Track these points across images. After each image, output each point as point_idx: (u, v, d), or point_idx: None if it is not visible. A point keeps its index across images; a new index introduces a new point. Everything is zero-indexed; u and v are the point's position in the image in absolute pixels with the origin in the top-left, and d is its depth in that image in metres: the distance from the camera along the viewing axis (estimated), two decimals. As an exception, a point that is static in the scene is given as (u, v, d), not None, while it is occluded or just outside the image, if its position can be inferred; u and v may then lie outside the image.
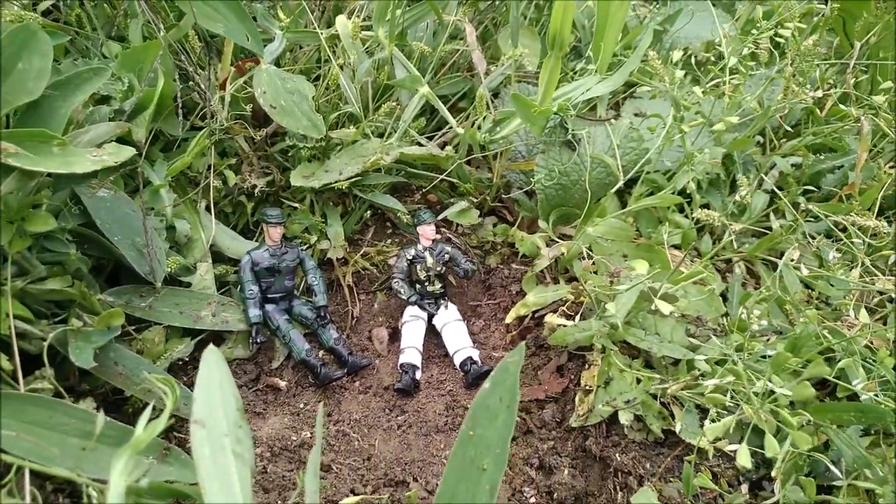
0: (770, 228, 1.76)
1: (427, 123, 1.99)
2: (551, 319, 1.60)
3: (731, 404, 1.24)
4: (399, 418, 1.60)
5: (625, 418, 1.45)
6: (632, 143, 1.72)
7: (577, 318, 1.59)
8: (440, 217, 1.85)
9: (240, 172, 1.81)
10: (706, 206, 1.82)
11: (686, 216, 1.77)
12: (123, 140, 1.51)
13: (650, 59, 1.67)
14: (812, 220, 1.77)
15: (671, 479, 1.40)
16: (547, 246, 1.75)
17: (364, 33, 1.83)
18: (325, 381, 1.62)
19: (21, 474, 1.09)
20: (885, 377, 1.30)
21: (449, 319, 1.75)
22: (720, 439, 1.26)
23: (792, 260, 1.49)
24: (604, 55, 1.69)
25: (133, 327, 1.50)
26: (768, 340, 1.46)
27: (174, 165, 1.63)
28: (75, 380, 1.39)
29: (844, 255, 1.62)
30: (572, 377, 1.61)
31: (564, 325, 1.57)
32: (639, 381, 1.48)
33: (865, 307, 1.50)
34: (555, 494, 1.42)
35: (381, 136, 1.87)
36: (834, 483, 1.28)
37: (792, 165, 1.88)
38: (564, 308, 1.66)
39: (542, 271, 1.77)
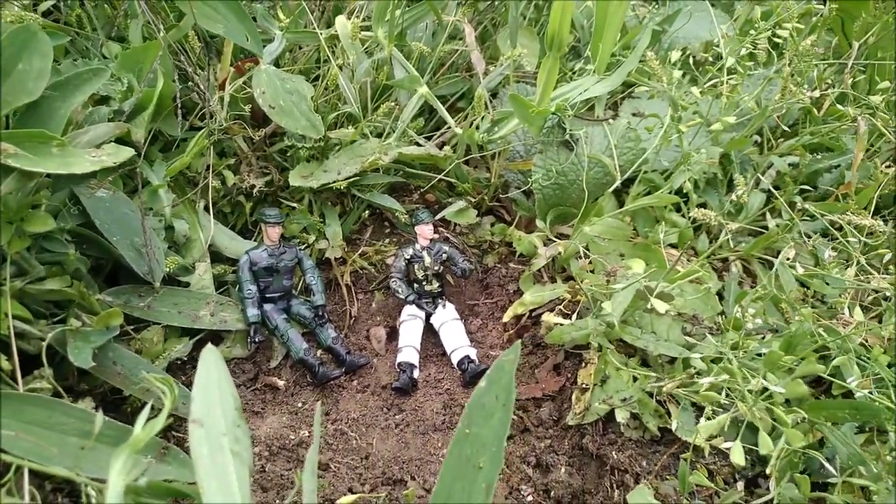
0: (767, 228, 1.76)
1: (426, 123, 1.99)
2: (548, 318, 1.60)
3: (727, 402, 1.25)
4: (397, 417, 1.61)
5: (621, 416, 1.46)
6: (629, 143, 1.72)
7: (574, 316, 1.60)
8: (438, 217, 1.86)
9: (238, 172, 1.81)
10: (703, 205, 1.82)
11: (683, 215, 1.78)
12: (122, 140, 1.52)
13: (648, 60, 1.68)
14: (808, 219, 1.77)
15: (667, 477, 1.41)
16: (544, 245, 1.75)
17: (363, 34, 1.83)
18: (323, 380, 1.63)
19: (20, 474, 1.10)
20: (879, 375, 1.30)
21: (446, 318, 1.75)
22: (715, 437, 1.27)
23: (788, 259, 1.50)
24: (602, 55, 1.69)
25: (132, 327, 1.51)
26: (763, 339, 1.47)
27: (173, 165, 1.64)
28: (74, 379, 1.40)
29: (840, 254, 1.62)
30: (569, 375, 1.62)
31: (561, 324, 1.58)
32: (635, 379, 1.49)
33: (861, 305, 1.51)
34: (552, 492, 1.43)
35: (379, 136, 1.88)
36: (829, 480, 1.28)
37: (789, 165, 1.89)
38: (561, 307, 1.67)
39: (539, 270, 1.77)
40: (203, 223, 1.72)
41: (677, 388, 1.40)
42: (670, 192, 1.64)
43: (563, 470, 1.46)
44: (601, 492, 1.42)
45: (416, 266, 1.76)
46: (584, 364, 1.55)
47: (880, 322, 1.52)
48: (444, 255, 1.78)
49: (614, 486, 1.42)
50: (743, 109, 1.73)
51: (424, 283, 1.78)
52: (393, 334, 1.80)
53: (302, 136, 1.78)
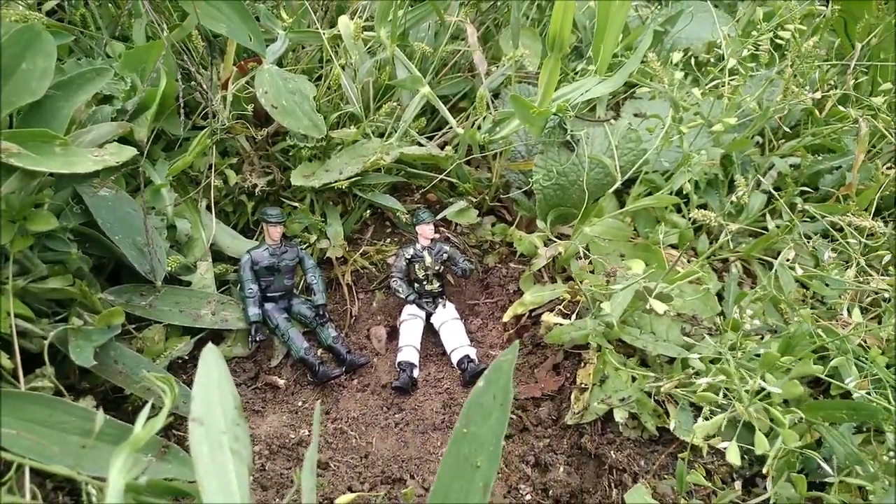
0: (767, 229, 1.76)
1: (427, 123, 2.00)
2: (548, 318, 1.61)
3: (725, 402, 1.25)
4: (396, 416, 1.62)
5: (620, 416, 1.46)
6: (630, 144, 1.73)
7: (574, 316, 1.60)
8: (439, 216, 1.86)
9: (241, 172, 1.82)
10: (704, 206, 1.83)
11: (683, 216, 1.78)
12: (125, 139, 1.53)
13: (649, 61, 1.68)
14: (808, 220, 1.78)
15: (665, 476, 1.41)
16: (545, 245, 1.76)
17: (366, 34, 1.84)
18: (323, 380, 1.63)
19: (21, 472, 1.11)
20: (877, 375, 1.31)
21: (447, 318, 1.76)
22: (713, 436, 1.27)
23: (788, 260, 1.50)
24: (603, 56, 1.70)
25: (133, 326, 1.51)
26: (762, 339, 1.47)
27: (175, 165, 1.65)
28: (75, 378, 1.41)
29: (840, 255, 1.63)
30: (568, 375, 1.62)
31: (561, 324, 1.59)
32: (634, 379, 1.49)
33: (860, 306, 1.51)
34: (550, 491, 1.44)
35: (381, 136, 1.89)
36: (826, 480, 1.29)
37: (790, 166, 1.89)
38: (561, 307, 1.68)
39: (539, 270, 1.78)
40: (205, 222, 1.72)
41: (675, 388, 1.40)
42: (671, 193, 1.64)
43: (561, 469, 1.47)
44: (599, 491, 1.43)
45: (416, 266, 1.77)
46: (583, 364, 1.56)
47: (880, 323, 1.52)
48: (445, 255, 1.79)
49: (612, 485, 1.42)
50: (744, 110, 1.74)
51: (425, 282, 1.78)
52: (393, 334, 1.81)
53: (304, 136, 1.78)
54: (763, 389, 1.18)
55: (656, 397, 1.47)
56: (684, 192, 1.66)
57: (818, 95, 1.74)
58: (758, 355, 1.32)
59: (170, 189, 1.67)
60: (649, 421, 1.46)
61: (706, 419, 1.24)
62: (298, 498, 1.03)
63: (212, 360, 1.04)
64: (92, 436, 1.15)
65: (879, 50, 2.08)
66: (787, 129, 1.93)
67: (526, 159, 1.89)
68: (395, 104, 1.85)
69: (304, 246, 1.81)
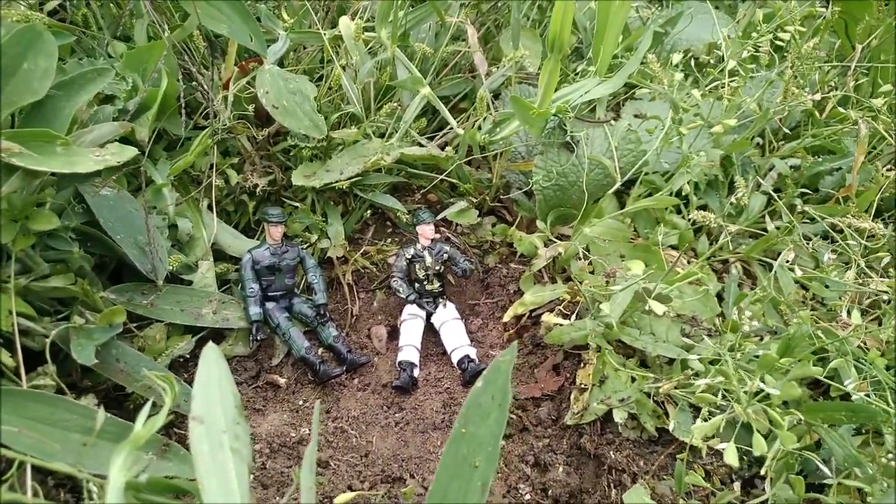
0: (767, 230, 1.77)
1: (428, 124, 2.00)
2: (548, 318, 1.61)
3: (724, 403, 1.26)
4: (397, 415, 1.62)
5: (619, 416, 1.47)
6: (630, 145, 1.73)
7: (573, 317, 1.61)
8: (439, 217, 1.87)
9: (242, 171, 1.82)
10: (704, 207, 1.83)
11: (683, 217, 1.78)
12: (126, 139, 1.53)
13: (649, 62, 1.68)
14: (808, 221, 1.78)
15: (664, 477, 1.42)
16: (545, 246, 1.76)
17: (367, 34, 1.85)
18: (324, 379, 1.64)
19: (23, 469, 1.11)
20: (877, 378, 1.31)
21: (447, 318, 1.77)
22: (712, 437, 1.27)
23: (787, 261, 1.51)
24: (603, 57, 1.70)
25: (135, 325, 1.52)
26: (762, 340, 1.47)
27: (177, 164, 1.65)
28: (77, 376, 1.42)
29: (840, 257, 1.63)
30: (568, 375, 1.63)
31: (561, 325, 1.59)
32: (633, 379, 1.50)
33: (860, 308, 1.51)
34: (549, 491, 1.44)
35: (382, 136, 1.89)
36: (825, 481, 1.29)
37: (790, 167, 1.89)
38: (561, 307, 1.68)
39: (539, 271, 1.78)
40: (206, 222, 1.73)
41: (674, 388, 1.40)
42: (670, 194, 1.65)
43: (560, 469, 1.47)
44: (598, 491, 1.43)
45: (417, 266, 1.78)
46: (582, 364, 1.56)
47: (880, 325, 1.52)
48: (445, 255, 1.79)
49: (611, 485, 1.43)
50: (745, 112, 1.74)
51: (425, 282, 1.79)
52: (394, 333, 1.81)
53: (305, 136, 1.79)
54: (762, 391, 1.19)
55: (656, 398, 1.48)
56: (683, 194, 1.66)
57: (818, 97, 1.74)
58: (757, 356, 1.33)
59: (171, 188, 1.68)
60: (648, 421, 1.47)
61: (705, 420, 1.24)
62: (298, 497, 1.04)
63: (212, 359, 1.04)
64: (93, 434, 1.16)
65: (880, 51, 2.08)
66: (788, 131, 1.93)
67: (526, 160, 1.90)
68: (395, 105, 1.86)
69: (305, 245, 1.82)
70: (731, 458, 1.12)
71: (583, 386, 1.52)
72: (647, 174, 1.74)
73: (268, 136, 1.85)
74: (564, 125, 1.72)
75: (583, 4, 2.18)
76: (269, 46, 1.80)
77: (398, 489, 1.45)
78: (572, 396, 1.53)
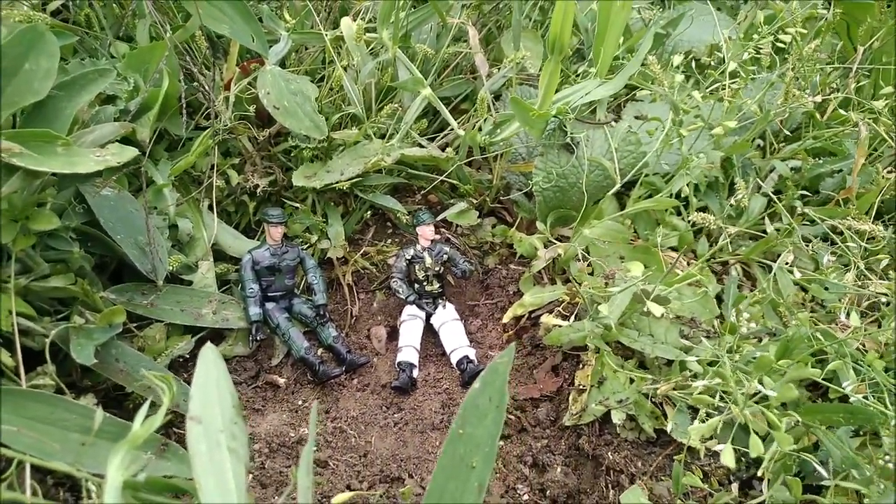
0: (767, 232, 1.77)
1: (429, 125, 2.00)
2: (547, 320, 1.62)
3: (722, 405, 1.26)
4: (396, 416, 1.63)
5: (617, 417, 1.47)
6: (629, 147, 1.73)
7: (572, 318, 1.61)
8: (439, 218, 1.87)
9: (242, 172, 1.83)
10: (704, 208, 1.83)
11: (683, 219, 1.78)
12: (128, 139, 1.54)
13: (649, 64, 1.68)
14: (808, 223, 1.78)
15: (662, 478, 1.42)
16: (544, 247, 1.76)
17: (368, 35, 1.85)
18: (323, 379, 1.64)
19: (22, 468, 1.12)
20: (875, 379, 1.31)
21: (446, 319, 1.77)
22: (710, 439, 1.27)
23: (787, 263, 1.51)
24: (604, 59, 1.70)
25: (135, 324, 1.52)
26: (761, 342, 1.47)
27: (178, 165, 1.66)
28: (77, 376, 1.42)
29: (840, 259, 1.63)
30: (567, 376, 1.63)
31: (560, 326, 1.59)
32: (632, 381, 1.50)
33: (860, 310, 1.51)
34: (547, 492, 1.45)
35: (382, 137, 1.89)
36: (823, 483, 1.29)
37: (791, 169, 1.89)
38: (560, 308, 1.68)
39: (539, 272, 1.78)
40: (207, 222, 1.74)
41: (673, 390, 1.41)
42: (670, 196, 1.65)
43: (559, 470, 1.48)
44: (596, 492, 1.43)
45: (416, 266, 1.78)
46: (581, 365, 1.57)
47: (879, 327, 1.52)
48: (445, 256, 1.79)
49: (609, 486, 1.43)
50: (745, 113, 1.74)
51: (425, 283, 1.79)
52: (393, 334, 1.81)
53: (306, 137, 1.79)
54: (759, 392, 1.19)
55: (654, 399, 1.48)
56: (683, 195, 1.66)
57: (819, 99, 1.74)
58: (755, 358, 1.33)
59: (172, 189, 1.68)
60: (647, 422, 1.47)
61: (702, 422, 1.24)
62: (296, 496, 1.04)
63: (210, 359, 1.05)
64: (91, 433, 1.16)
65: (881, 53, 2.08)
66: (788, 133, 1.93)
67: (527, 161, 1.90)
68: (396, 106, 1.86)
69: (306, 246, 1.82)
70: (728, 459, 1.12)
71: (581, 387, 1.52)
72: (647, 176, 1.74)
73: (269, 136, 1.85)
74: (565, 126, 1.73)
75: (584, 5, 2.17)
76: (270, 47, 1.81)
77: (396, 489, 1.46)
78: (571, 397, 1.53)
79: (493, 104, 1.91)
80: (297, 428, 1.55)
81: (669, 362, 1.51)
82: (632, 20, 2.20)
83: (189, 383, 1.43)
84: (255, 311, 1.65)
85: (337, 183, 1.77)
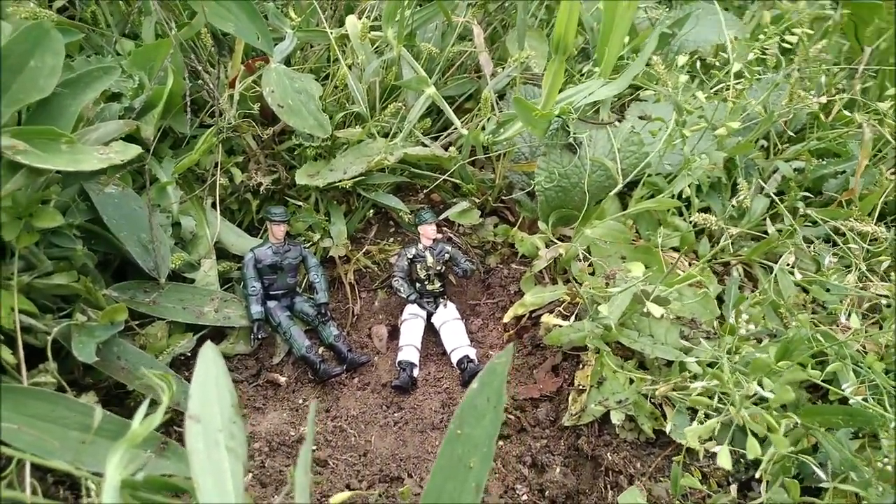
0: (769, 233, 1.76)
1: (433, 123, 2.01)
2: (547, 319, 1.62)
3: (721, 406, 1.26)
4: (396, 415, 1.63)
5: (616, 418, 1.47)
6: (632, 147, 1.73)
7: (573, 318, 1.61)
8: (441, 217, 1.87)
9: (246, 170, 1.83)
10: (707, 209, 1.83)
11: (685, 219, 1.78)
12: (133, 137, 1.55)
13: (654, 64, 1.68)
14: (810, 224, 1.77)
15: (661, 479, 1.42)
16: (546, 247, 1.76)
17: (373, 33, 1.85)
18: (324, 378, 1.65)
19: (21, 466, 1.13)
20: (875, 381, 1.31)
21: (447, 318, 1.77)
22: (709, 440, 1.27)
23: (788, 264, 1.50)
24: (608, 59, 1.70)
25: (137, 322, 1.53)
26: (761, 343, 1.47)
27: (181, 163, 1.66)
28: (79, 373, 1.43)
29: (842, 260, 1.62)
30: (567, 377, 1.63)
31: (560, 326, 1.59)
32: (632, 381, 1.50)
33: (861, 312, 1.51)
34: (546, 492, 1.45)
35: (386, 136, 1.90)
36: (822, 485, 1.29)
37: (795, 170, 1.88)
38: (561, 308, 1.68)
39: (540, 272, 1.78)
40: (210, 220, 1.74)
41: (672, 391, 1.41)
42: (672, 197, 1.65)
43: (558, 470, 1.48)
44: (595, 492, 1.44)
45: (418, 266, 1.78)
46: (581, 366, 1.57)
47: (880, 329, 1.52)
48: (447, 255, 1.80)
49: (608, 486, 1.43)
50: (750, 114, 1.73)
51: (426, 282, 1.79)
52: (395, 333, 1.82)
53: (309, 135, 1.79)
54: (757, 394, 1.19)
55: (653, 400, 1.48)
56: (685, 196, 1.66)
57: (824, 100, 1.73)
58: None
59: (175, 187, 1.69)
60: (646, 423, 1.47)
61: (700, 423, 1.24)
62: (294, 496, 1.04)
63: (210, 358, 1.06)
64: (91, 431, 1.17)
65: (889, 54, 2.07)
66: (792, 134, 1.93)
67: (529, 160, 1.90)
68: (400, 104, 1.86)
69: (308, 244, 1.82)
70: (724, 461, 1.13)
71: (581, 387, 1.52)
72: (649, 176, 1.74)
73: (273, 134, 1.86)
74: (567, 126, 1.72)
75: (590, 5, 2.17)
76: (276, 45, 1.81)
77: (396, 488, 1.46)
78: (570, 398, 1.53)
79: (497, 103, 1.91)
80: (298, 427, 1.56)
81: (669, 363, 1.51)
82: (638, 19, 2.20)
83: (190, 381, 1.44)
84: (256, 309, 1.65)
85: (340, 181, 1.77)
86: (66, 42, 1.37)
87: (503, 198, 2.00)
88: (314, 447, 1.53)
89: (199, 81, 1.78)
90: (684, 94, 1.63)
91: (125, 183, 1.58)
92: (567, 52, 1.59)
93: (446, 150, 1.90)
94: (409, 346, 1.73)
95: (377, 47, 1.94)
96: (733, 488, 1.37)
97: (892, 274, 1.57)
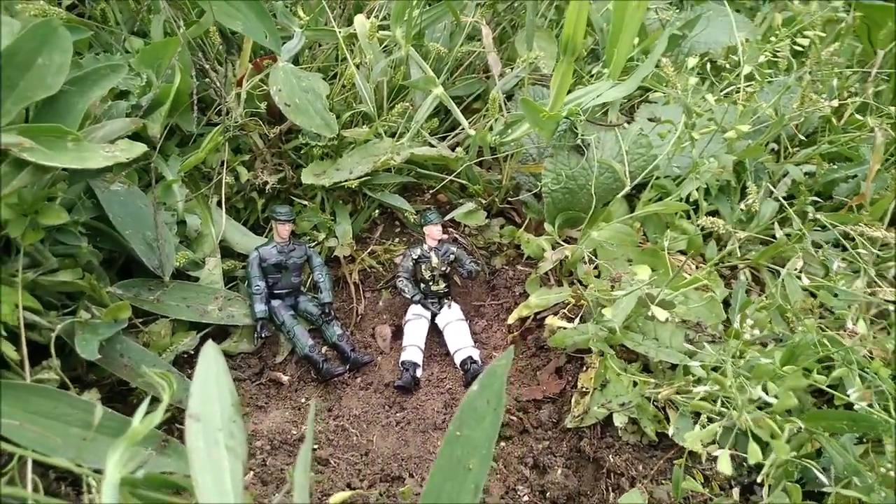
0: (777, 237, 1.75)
1: (440, 124, 2.00)
2: (552, 321, 1.61)
3: (724, 410, 1.25)
4: (398, 415, 1.63)
5: (619, 421, 1.46)
6: (640, 149, 1.72)
7: (577, 321, 1.60)
8: (447, 218, 1.87)
9: (252, 169, 1.84)
10: (715, 212, 1.81)
11: (693, 223, 1.77)
12: (139, 135, 1.55)
13: (663, 66, 1.67)
14: (819, 229, 1.76)
15: (663, 482, 1.42)
16: (552, 249, 1.76)
17: (381, 33, 1.85)
18: (327, 377, 1.65)
19: (23, 462, 1.13)
20: (881, 387, 1.30)
21: (451, 319, 1.77)
22: (712, 443, 1.27)
23: (796, 269, 1.49)
24: (617, 60, 1.69)
25: (140, 320, 1.53)
26: (767, 348, 1.46)
27: (188, 161, 1.67)
28: (83, 370, 1.43)
29: (851, 265, 1.61)
30: (570, 379, 1.63)
31: (564, 328, 1.59)
32: (635, 384, 1.49)
33: (869, 317, 1.50)
34: (548, 493, 1.44)
35: (393, 135, 1.89)
36: (824, 490, 1.28)
37: (805, 174, 1.87)
38: (565, 311, 1.68)
39: (546, 274, 1.78)
40: (215, 218, 1.74)
41: (674, 394, 1.40)
42: (680, 200, 1.64)
43: (559, 472, 1.48)
44: (597, 494, 1.43)
45: (423, 266, 1.78)
46: (585, 368, 1.56)
47: (888, 334, 1.51)
48: (452, 256, 1.79)
49: (610, 489, 1.43)
50: (760, 117, 1.72)
51: (431, 283, 1.79)
52: (398, 333, 1.82)
53: (316, 135, 1.79)
54: (760, 398, 1.18)
55: (657, 403, 1.47)
56: (692, 199, 1.65)
57: (836, 103, 1.72)
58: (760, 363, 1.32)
59: (181, 185, 1.69)
60: (649, 426, 1.46)
61: (703, 427, 1.24)
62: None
63: (211, 357, 1.06)
64: (92, 429, 1.17)
65: (902, 57, 2.05)
66: (803, 137, 1.91)
67: (537, 162, 1.89)
68: (407, 104, 1.86)
69: (313, 244, 1.82)
70: (725, 466, 1.12)
71: (584, 389, 1.52)
72: (657, 178, 1.73)
73: (279, 133, 1.86)
74: (576, 128, 1.72)
75: (600, 5, 2.16)
76: (284, 44, 1.81)
77: (397, 488, 1.46)
78: (573, 399, 1.53)
79: (505, 104, 1.90)
80: (300, 425, 1.56)
81: (674, 366, 1.51)
82: (648, 21, 2.19)
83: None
84: (260, 308, 1.65)
85: (346, 181, 1.77)
86: (75, 40, 1.37)
87: (510, 199, 1.99)
88: (316, 446, 1.53)
89: (207, 80, 1.78)
90: (694, 96, 1.62)
91: (131, 181, 1.58)
92: (576, 52, 1.58)
93: (453, 150, 1.89)
94: (413, 346, 1.72)
95: (385, 47, 1.94)
96: (735, 492, 1.36)
97: (900, 279, 1.55)
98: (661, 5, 2.29)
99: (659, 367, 1.53)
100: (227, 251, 1.75)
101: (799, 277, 1.50)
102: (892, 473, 1.20)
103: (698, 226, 1.58)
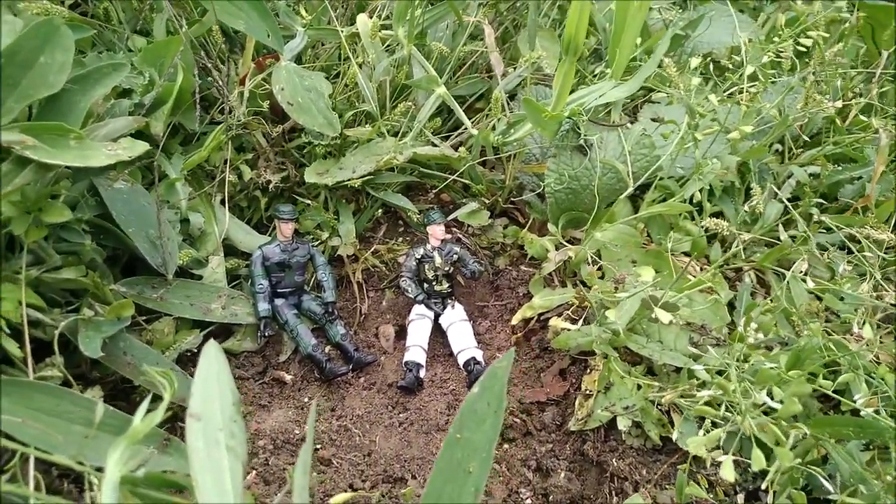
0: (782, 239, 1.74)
1: (443, 123, 2.00)
2: (556, 323, 1.61)
3: (728, 415, 1.24)
4: (401, 415, 1.62)
5: (623, 424, 1.46)
6: (643, 150, 1.71)
7: (581, 322, 1.60)
8: (450, 217, 1.86)
9: (255, 167, 1.83)
10: (719, 213, 1.81)
11: (697, 224, 1.76)
12: (142, 133, 1.55)
13: (665, 66, 1.67)
14: (824, 231, 1.75)
15: (666, 487, 1.41)
16: (556, 249, 1.75)
17: (384, 32, 1.85)
18: (330, 377, 1.65)
19: (25, 460, 1.13)
20: (887, 393, 1.29)
21: (455, 319, 1.76)
22: (716, 448, 1.26)
23: (801, 272, 1.49)
24: (619, 60, 1.69)
25: (144, 318, 1.53)
26: (771, 351, 1.46)
27: (191, 159, 1.67)
28: (86, 368, 1.43)
29: (857, 268, 1.60)
30: (574, 381, 1.62)
31: (568, 329, 1.58)
32: (639, 387, 1.49)
33: (875, 322, 1.49)
34: (550, 497, 1.44)
35: (396, 135, 1.89)
36: (830, 497, 1.27)
37: (810, 175, 1.86)
38: (569, 312, 1.67)
39: (549, 274, 1.77)
40: (218, 217, 1.74)
41: (678, 398, 1.39)
42: (684, 201, 1.63)
43: (562, 475, 1.47)
44: (600, 498, 1.43)
45: (426, 266, 1.78)
46: (589, 370, 1.56)
47: (895, 339, 1.50)
48: (455, 256, 1.79)
49: (613, 493, 1.42)
50: (764, 117, 1.71)
51: (434, 283, 1.79)
52: (402, 333, 1.81)
53: (319, 134, 1.79)
54: (764, 403, 1.17)
55: (661, 406, 1.47)
56: (696, 200, 1.65)
57: (840, 104, 1.71)
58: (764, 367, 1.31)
59: (184, 183, 1.69)
60: (653, 430, 1.46)
61: (707, 432, 1.23)
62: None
63: (213, 355, 1.06)
64: (94, 426, 1.17)
65: (907, 58, 2.05)
66: (807, 138, 1.91)
67: (540, 162, 1.89)
68: (410, 104, 1.85)
69: (317, 243, 1.82)
70: (728, 472, 1.11)
71: (588, 392, 1.51)
72: (661, 179, 1.72)
73: (282, 132, 1.85)
74: (578, 128, 1.71)
75: (603, 5, 2.16)
76: (286, 43, 1.81)
77: (399, 489, 1.46)
78: (577, 402, 1.52)
79: (508, 104, 1.90)
80: (303, 425, 1.56)
81: (678, 369, 1.50)
82: (651, 20, 2.18)
83: (195, 378, 1.44)
84: (263, 306, 1.65)
85: (349, 180, 1.77)
86: (77, 38, 1.37)
87: (513, 199, 1.99)
88: (318, 446, 1.53)
89: (210, 78, 1.78)
90: (697, 96, 1.61)
91: (134, 179, 1.58)
92: (578, 52, 1.57)
93: (456, 150, 1.89)
94: (416, 346, 1.72)
95: (388, 46, 1.93)
96: (740, 498, 1.35)
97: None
98: (664, 5, 2.29)
99: (663, 370, 1.52)
100: (230, 249, 1.75)
101: (804, 280, 1.49)
102: (897, 481, 1.19)
103: (702, 227, 1.57)
